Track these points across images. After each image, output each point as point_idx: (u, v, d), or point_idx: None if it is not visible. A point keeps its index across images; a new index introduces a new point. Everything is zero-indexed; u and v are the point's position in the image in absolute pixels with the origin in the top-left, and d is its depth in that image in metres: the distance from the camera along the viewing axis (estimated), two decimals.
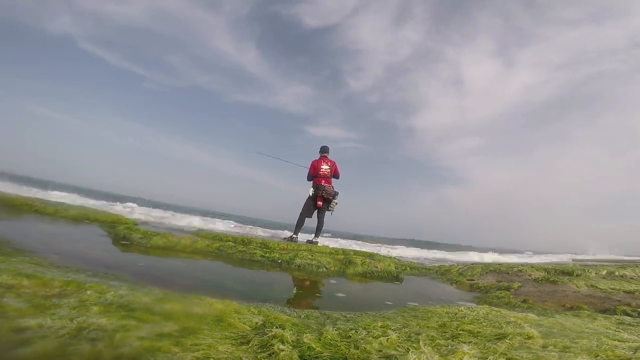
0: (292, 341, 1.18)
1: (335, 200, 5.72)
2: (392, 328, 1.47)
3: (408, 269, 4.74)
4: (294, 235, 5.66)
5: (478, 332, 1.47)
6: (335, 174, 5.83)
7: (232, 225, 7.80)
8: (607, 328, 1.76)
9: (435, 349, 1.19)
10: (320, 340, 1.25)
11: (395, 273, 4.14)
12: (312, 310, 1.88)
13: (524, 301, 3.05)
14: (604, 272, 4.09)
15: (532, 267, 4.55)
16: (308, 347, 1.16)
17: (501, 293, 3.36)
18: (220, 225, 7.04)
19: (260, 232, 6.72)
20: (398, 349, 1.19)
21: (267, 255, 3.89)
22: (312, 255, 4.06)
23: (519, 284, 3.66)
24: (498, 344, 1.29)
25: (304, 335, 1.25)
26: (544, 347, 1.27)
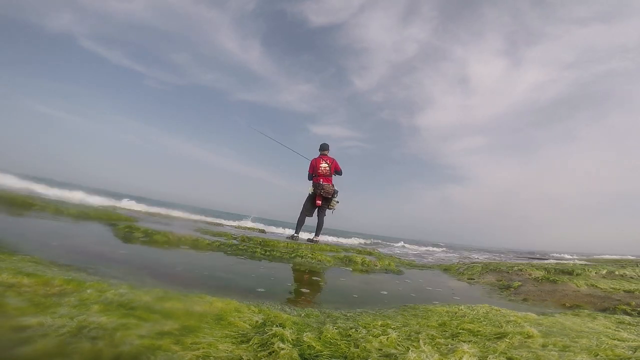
0: (292, 340, 1.18)
1: (336, 199, 5.68)
2: (392, 327, 1.47)
3: (408, 267, 4.74)
4: (295, 234, 5.66)
5: (478, 331, 1.47)
6: (336, 171, 5.73)
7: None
8: (607, 327, 1.76)
9: (435, 348, 1.19)
10: (320, 339, 1.25)
11: (396, 271, 4.14)
12: (312, 309, 1.89)
13: (524, 300, 3.05)
14: (604, 272, 4.09)
15: (532, 266, 4.55)
16: (308, 345, 1.16)
17: (501, 292, 3.36)
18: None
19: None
20: (398, 347, 1.19)
21: (268, 253, 3.89)
22: (312, 254, 4.06)
23: (519, 282, 3.67)
24: (498, 343, 1.29)
25: (304, 334, 1.25)
26: (544, 346, 1.27)
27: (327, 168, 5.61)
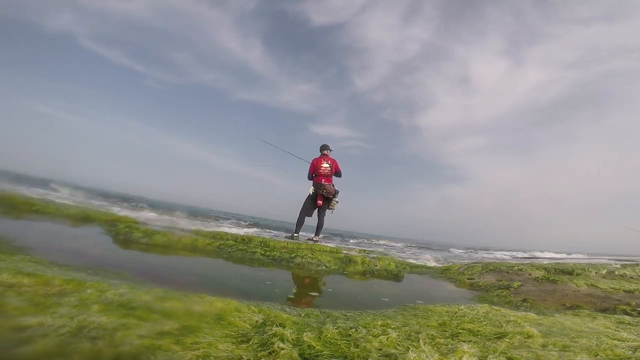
0: (292, 340, 1.18)
1: (336, 199, 5.69)
2: (392, 327, 1.47)
3: (408, 267, 4.74)
4: (295, 234, 5.66)
5: (478, 330, 1.47)
6: (336, 172, 5.76)
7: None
8: (606, 327, 1.76)
9: (435, 348, 1.19)
10: (320, 338, 1.25)
11: (395, 272, 4.14)
12: (312, 309, 1.89)
13: (524, 300, 3.05)
14: (604, 272, 4.09)
15: (532, 266, 4.55)
16: (308, 345, 1.16)
17: (501, 292, 3.36)
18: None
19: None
20: (398, 347, 1.19)
21: (268, 253, 3.89)
22: (312, 254, 4.06)
23: (519, 282, 3.67)
24: (498, 342, 1.29)
25: (304, 334, 1.25)
26: (544, 346, 1.27)
27: (329, 168, 5.63)
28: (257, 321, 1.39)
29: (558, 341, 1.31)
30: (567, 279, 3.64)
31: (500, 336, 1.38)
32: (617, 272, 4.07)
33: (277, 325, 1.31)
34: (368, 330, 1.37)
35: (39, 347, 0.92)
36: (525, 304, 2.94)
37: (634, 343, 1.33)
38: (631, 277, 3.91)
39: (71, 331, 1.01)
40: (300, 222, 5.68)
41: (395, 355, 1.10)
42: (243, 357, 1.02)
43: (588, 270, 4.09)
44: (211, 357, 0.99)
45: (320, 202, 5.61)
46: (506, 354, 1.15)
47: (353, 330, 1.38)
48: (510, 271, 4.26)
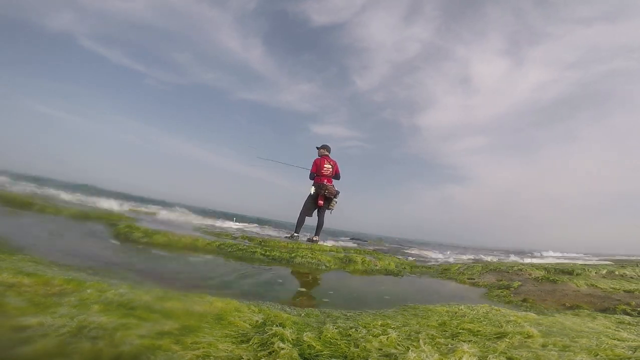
0: (292, 339, 1.18)
1: (336, 200, 5.71)
2: (392, 326, 1.47)
3: (408, 267, 4.74)
4: (295, 234, 5.66)
5: (478, 330, 1.47)
6: (336, 174, 5.80)
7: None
8: (606, 327, 1.76)
9: (435, 348, 1.19)
10: (320, 338, 1.25)
11: (396, 271, 4.14)
12: (312, 309, 1.89)
13: (524, 300, 3.05)
14: (604, 272, 4.09)
15: (532, 266, 4.55)
16: (308, 345, 1.16)
17: (501, 292, 3.36)
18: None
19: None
20: (398, 347, 1.19)
21: (267, 253, 3.89)
22: (312, 254, 4.06)
23: (519, 282, 3.67)
24: (498, 342, 1.29)
25: (304, 334, 1.25)
26: (544, 346, 1.27)
27: (330, 169, 5.68)
28: (257, 321, 1.39)
29: (558, 341, 1.31)
30: (567, 279, 3.64)
31: (500, 336, 1.38)
32: (617, 272, 4.07)
33: (277, 325, 1.31)
34: (368, 330, 1.37)
35: (39, 347, 0.92)
36: (525, 303, 2.94)
37: (634, 343, 1.33)
38: (631, 277, 3.91)
39: (71, 331, 1.01)
40: (300, 222, 5.69)
41: (395, 355, 1.10)
42: (243, 357, 1.02)
43: (588, 270, 4.09)
44: (211, 357, 0.99)
45: (321, 202, 5.62)
46: (506, 353, 1.15)
47: (353, 330, 1.38)
48: (510, 271, 4.26)
